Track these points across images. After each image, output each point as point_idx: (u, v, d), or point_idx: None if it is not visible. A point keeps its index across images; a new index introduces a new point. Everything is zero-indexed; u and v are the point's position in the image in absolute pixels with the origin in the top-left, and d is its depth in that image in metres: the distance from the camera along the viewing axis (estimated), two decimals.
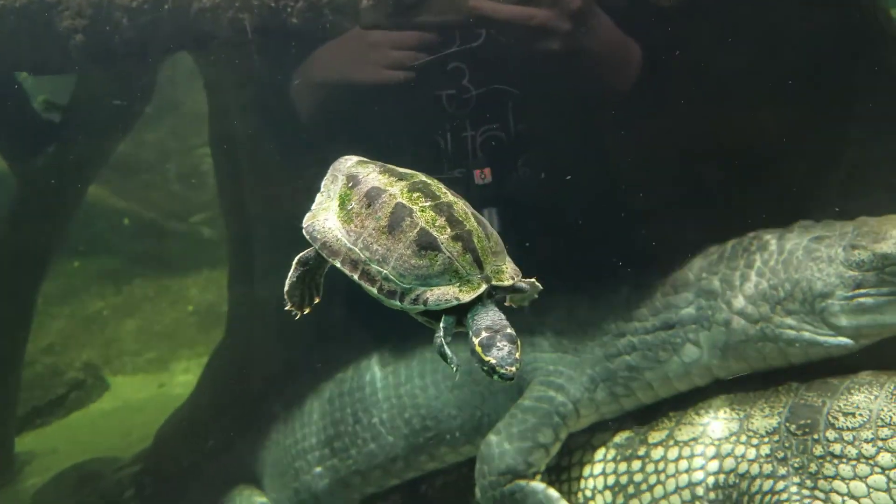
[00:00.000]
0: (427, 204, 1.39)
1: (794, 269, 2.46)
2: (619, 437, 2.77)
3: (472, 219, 1.40)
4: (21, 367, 5.15)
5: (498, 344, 1.28)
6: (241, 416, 3.76)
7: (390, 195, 1.41)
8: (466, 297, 1.32)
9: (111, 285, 7.64)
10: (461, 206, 1.42)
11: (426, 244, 1.35)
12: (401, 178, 1.46)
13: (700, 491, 2.49)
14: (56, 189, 4.84)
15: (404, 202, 1.39)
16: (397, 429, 3.00)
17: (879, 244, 2.37)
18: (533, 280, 1.44)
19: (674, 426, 2.65)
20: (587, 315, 2.83)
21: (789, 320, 2.46)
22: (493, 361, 1.27)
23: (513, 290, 1.40)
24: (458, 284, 1.34)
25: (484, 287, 1.34)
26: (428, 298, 1.34)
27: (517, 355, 1.28)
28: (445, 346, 1.34)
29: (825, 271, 2.41)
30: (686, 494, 2.52)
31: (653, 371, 2.70)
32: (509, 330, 1.31)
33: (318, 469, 3.15)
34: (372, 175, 1.48)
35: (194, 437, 4.33)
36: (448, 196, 1.43)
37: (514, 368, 1.26)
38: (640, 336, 2.72)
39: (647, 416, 2.78)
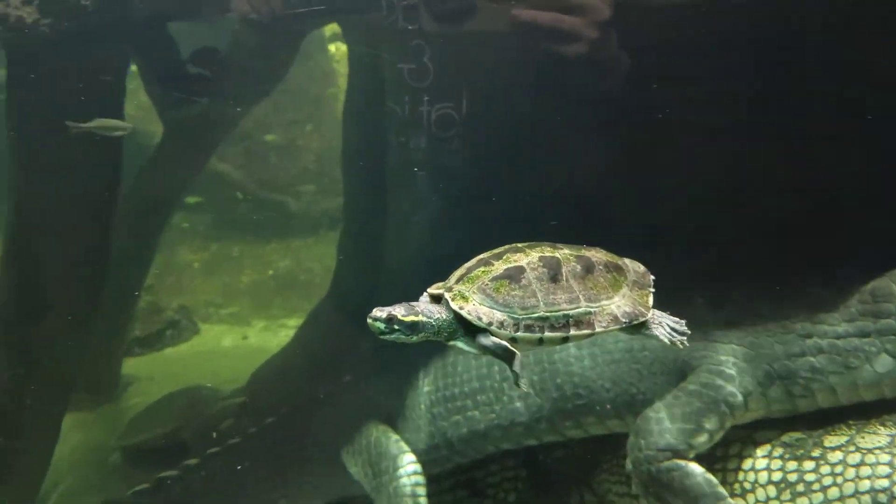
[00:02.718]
0: (517, 245, 1.81)
1: None
2: (788, 437, 2.81)
3: (503, 265, 1.74)
4: (138, 300, 5.57)
5: (389, 308, 1.66)
6: (362, 359, 4.08)
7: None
8: (433, 291, 1.75)
9: (201, 241, 8.10)
10: (519, 261, 1.75)
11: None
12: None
13: (883, 498, 2.51)
14: (196, 141, 5.21)
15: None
16: (546, 391, 3.06)
17: None
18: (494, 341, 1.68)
19: (854, 433, 2.67)
20: (770, 311, 2.84)
21: None
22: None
23: (463, 321, 1.70)
24: (445, 282, 1.75)
25: (441, 291, 1.72)
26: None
27: (391, 314, 1.64)
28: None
29: None
30: (866, 499, 2.54)
31: (839, 376, 2.70)
32: (409, 307, 1.68)
33: (457, 418, 3.23)
34: None
35: (295, 379, 4.69)
36: (527, 252, 1.78)
37: (375, 319, 1.64)
38: (830, 339, 2.72)
39: (814, 421, 2.80)
